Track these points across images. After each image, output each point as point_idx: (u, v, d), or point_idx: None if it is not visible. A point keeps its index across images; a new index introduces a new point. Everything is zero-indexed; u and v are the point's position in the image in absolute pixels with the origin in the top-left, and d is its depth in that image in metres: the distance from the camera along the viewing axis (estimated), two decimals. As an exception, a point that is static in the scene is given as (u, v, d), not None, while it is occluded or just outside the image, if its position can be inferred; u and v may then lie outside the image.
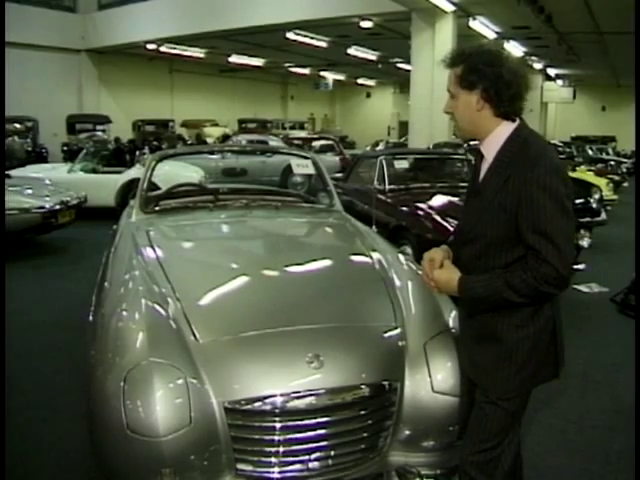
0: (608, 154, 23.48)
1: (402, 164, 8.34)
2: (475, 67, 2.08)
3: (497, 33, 18.59)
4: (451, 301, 2.82)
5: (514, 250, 2.09)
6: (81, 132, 22.04)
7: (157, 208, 4.39)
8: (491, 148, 2.16)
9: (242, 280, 3.16)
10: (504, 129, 2.13)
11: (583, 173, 13.75)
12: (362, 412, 2.44)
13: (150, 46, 23.26)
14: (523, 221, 2.02)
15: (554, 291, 2.04)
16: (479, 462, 2.19)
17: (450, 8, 14.86)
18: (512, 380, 2.14)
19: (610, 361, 5.05)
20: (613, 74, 27.48)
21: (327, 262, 3.61)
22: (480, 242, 2.14)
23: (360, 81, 37.91)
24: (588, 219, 7.90)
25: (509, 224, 2.06)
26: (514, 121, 2.14)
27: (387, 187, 7.56)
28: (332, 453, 2.40)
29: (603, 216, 8.88)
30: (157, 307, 2.71)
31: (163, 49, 23.97)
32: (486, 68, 2.06)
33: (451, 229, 5.88)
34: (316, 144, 18.27)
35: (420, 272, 3.17)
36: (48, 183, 9.35)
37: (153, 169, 4.55)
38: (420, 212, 6.67)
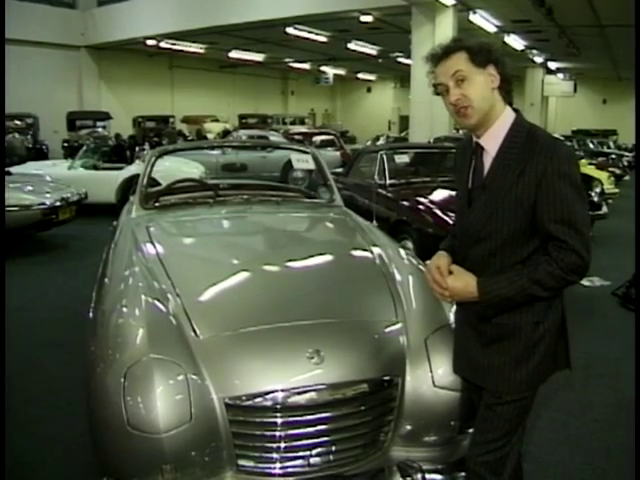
0: (609, 147, 23.45)
1: (403, 159, 8.35)
2: (481, 46, 2.07)
3: (497, 27, 18.56)
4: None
5: (529, 243, 2.06)
6: (81, 129, 21.99)
7: (157, 204, 4.38)
8: (493, 140, 2.10)
9: (242, 276, 3.15)
10: (508, 116, 2.10)
11: (584, 167, 13.70)
12: (363, 407, 2.43)
13: (150, 42, 23.26)
14: (544, 211, 1.98)
15: (578, 280, 2.02)
16: (489, 461, 2.15)
17: (450, 2, 14.83)
18: (530, 379, 2.11)
19: (612, 355, 5.05)
20: (614, 67, 27.41)
21: (328, 257, 3.59)
22: (495, 239, 2.08)
23: (360, 76, 37.88)
24: (589, 213, 7.88)
25: (526, 217, 2.02)
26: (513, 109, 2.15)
27: (388, 182, 7.56)
28: (333, 448, 2.39)
29: (604, 209, 8.89)
30: (157, 303, 2.70)
31: (163, 45, 23.94)
32: (489, 47, 2.09)
33: (452, 223, 5.87)
34: (316, 139, 18.22)
35: (422, 267, 3.17)
36: (48, 180, 9.37)
37: (153, 165, 4.55)
38: (421, 206, 6.67)
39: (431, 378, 2.52)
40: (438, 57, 2.11)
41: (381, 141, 24.24)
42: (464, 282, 2.11)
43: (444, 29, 14.97)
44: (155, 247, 3.38)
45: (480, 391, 2.26)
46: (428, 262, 2.37)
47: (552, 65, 28.05)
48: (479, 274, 2.11)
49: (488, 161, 2.13)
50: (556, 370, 2.20)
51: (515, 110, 2.14)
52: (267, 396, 2.31)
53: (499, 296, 2.03)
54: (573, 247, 1.95)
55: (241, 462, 2.32)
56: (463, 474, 2.38)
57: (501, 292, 2.03)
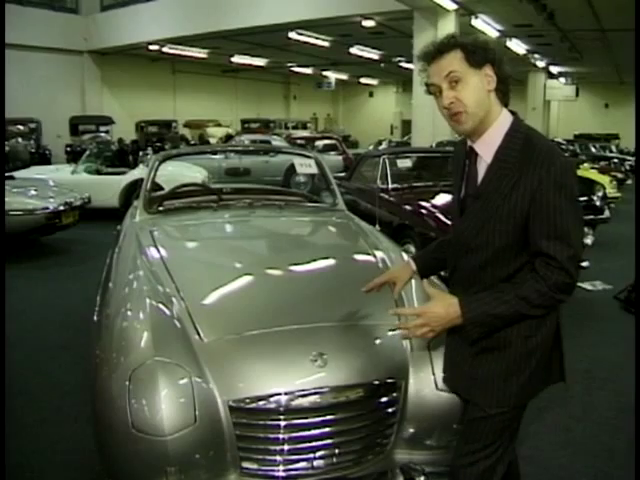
0: (611, 152, 23.49)
1: (405, 163, 8.37)
2: (477, 45, 1.95)
3: (499, 31, 18.59)
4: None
5: (522, 255, 1.94)
6: (84, 133, 22.08)
7: (161, 208, 4.41)
8: (488, 146, 1.97)
9: (246, 279, 3.17)
10: (504, 120, 1.97)
11: (586, 171, 13.74)
12: (366, 410, 2.44)
13: (153, 47, 23.31)
14: (537, 225, 1.87)
15: (566, 298, 1.89)
16: (473, 474, 2.05)
17: (452, 7, 14.85)
18: (519, 394, 2.01)
19: (614, 358, 5.05)
20: (616, 71, 27.43)
21: (331, 261, 3.61)
22: (486, 250, 1.97)
23: (363, 80, 37.90)
24: (591, 217, 7.89)
25: (519, 230, 1.91)
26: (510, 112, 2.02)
27: (390, 186, 7.58)
28: (337, 451, 2.40)
29: (606, 214, 8.88)
30: (161, 307, 2.72)
31: (165, 50, 24.00)
32: (486, 45, 1.97)
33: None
34: (319, 143, 18.29)
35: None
36: (52, 184, 9.39)
37: (156, 169, 4.56)
38: (423, 210, 6.68)
39: (434, 381, 2.52)
40: (431, 55, 1.98)
41: (383, 145, 24.29)
42: (445, 303, 1.95)
43: (446, 34, 14.95)
44: (159, 251, 3.40)
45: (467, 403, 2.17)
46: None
47: (554, 69, 28.08)
48: (468, 286, 2.03)
49: (483, 168, 2.00)
50: (548, 384, 2.12)
51: (512, 113, 2.01)
52: (271, 399, 2.32)
53: (484, 313, 1.90)
54: (562, 265, 1.84)
55: (245, 464, 2.33)
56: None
57: (486, 308, 1.90)
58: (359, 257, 3.64)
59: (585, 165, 15.37)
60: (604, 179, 12.79)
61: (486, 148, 1.98)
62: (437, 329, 1.96)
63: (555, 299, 1.88)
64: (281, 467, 2.35)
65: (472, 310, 1.91)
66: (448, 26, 15.12)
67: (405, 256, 3.60)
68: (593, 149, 22.76)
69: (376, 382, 2.46)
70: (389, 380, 2.49)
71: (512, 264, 1.96)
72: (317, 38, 22.10)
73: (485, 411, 2.03)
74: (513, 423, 2.08)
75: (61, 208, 8.28)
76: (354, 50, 24.69)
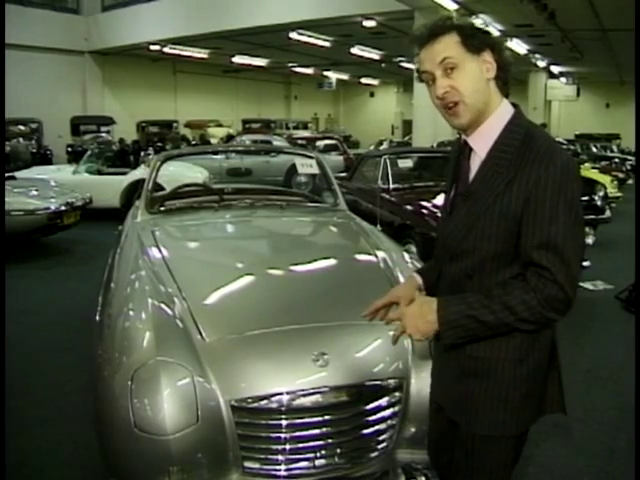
0: (612, 151, 23.47)
1: (406, 163, 8.38)
2: (474, 28, 1.75)
3: (500, 31, 18.55)
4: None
5: (513, 265, 1.72)
6: (85, 133, 22.07)
7: (162, 208, 4.42)
8: (484, 139, 1.76)
9: (248, 279, 3.18)
10: (504, 112, 1.76)
11: (587, 171, 13.73)
12: (368, 410, 2.45)
13: (154, 47, 23.29)
14: (529, 230, 1.64)
15: (558, 318, 1.65)
16: None
17: (453, 7, 14.85)
18: (512, 421, 1.78)
19: (615, 358, 5.05)
20: (617, 71, 27.40)
21: (332, 261, 3.62)
22: (472, 257, 1.75)
23: (364, 80, 37.88)
24: (592, 216, 7.91)
25: (510, 234, 1.68)
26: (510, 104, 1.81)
27: (391, 186, 7.59)
28: (338, 451, 2.41)
29: (607, 213, 8.89)
30: (163, 306, 2.73)
31: (167, 50, 23.97)
32: (484, 29, 1.78)
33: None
34: (320, 144, 18.28)
35: None
36: (53, 184, 9.39)
37: (158, 170, 4.57)
38: (424, 210, 6.69)
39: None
40: (424, 39, 1.76)
41: (384, 145, 24.28)
42: (420, 301, 1.78)
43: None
44: (161, 251, 3.40)
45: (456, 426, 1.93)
46: None
47: (555, 69, 28.05)
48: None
49: (476, 164, 1.79)
50: (544, 413, 1.88)
51: (514, 105, 1.80)
52: (273, 398, 2.33)
53: (461, 312, 1.67)
54: (555, 278, 1.60)
55: (247, 464, 2.34)
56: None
57: (463, 307, 1.68)
58: (360, 257, 3.65)
59: (586, 165, 15.35)
60: (605, 179, 12.77)
61: (481, 142, 1.77)
62: (414, 329, 1.74)
63: (544, 317, 1.64)
64: (283, 466, 2.36)
65: (448, 307, 1.69)
66: (449, 26, 15.12)
67: (407, 255, 3.61)
68: (594, 149, 22.75)
69: (378, 382, 2.48)
70: (391, 380, 2.50)
71: (501, 274, 1.73)
72: (318, 38, 22.09)
73: (478, 439, 1.82)
74: (510, 456, 1.85)
75: (62, 208, 8.28)
76: (355, 50, 24.67)
